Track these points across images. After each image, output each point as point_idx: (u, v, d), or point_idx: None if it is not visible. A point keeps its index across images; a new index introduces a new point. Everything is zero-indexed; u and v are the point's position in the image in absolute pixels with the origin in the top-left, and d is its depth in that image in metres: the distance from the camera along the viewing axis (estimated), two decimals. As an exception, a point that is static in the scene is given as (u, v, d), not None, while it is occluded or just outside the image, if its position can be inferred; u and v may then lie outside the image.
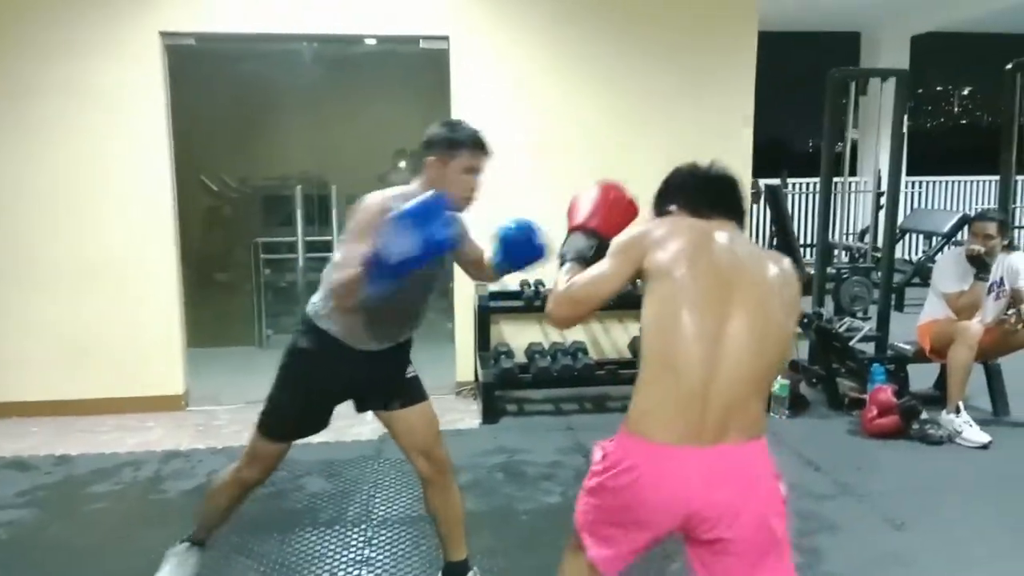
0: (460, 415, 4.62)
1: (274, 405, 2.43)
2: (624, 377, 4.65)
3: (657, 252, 1.76)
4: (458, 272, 4.87)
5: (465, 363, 4.98)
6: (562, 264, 1.99)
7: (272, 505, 3.39)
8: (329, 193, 5.23)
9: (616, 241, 1.88)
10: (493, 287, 4.78)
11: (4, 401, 4.60)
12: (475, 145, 2.38)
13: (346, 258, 2.14)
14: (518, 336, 4.92)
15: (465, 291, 4.90)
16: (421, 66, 5.15)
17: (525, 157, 4.85)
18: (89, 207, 4.58)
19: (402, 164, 7.26)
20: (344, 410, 4.67)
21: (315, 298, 2.42)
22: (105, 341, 4.64)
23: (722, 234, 1.82)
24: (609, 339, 5.09)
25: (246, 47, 4.97)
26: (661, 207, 1.98)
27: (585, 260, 1.96)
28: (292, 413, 2.44)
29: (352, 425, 4.43)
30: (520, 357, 4.74)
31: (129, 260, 4.64)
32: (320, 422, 2.50)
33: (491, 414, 4.45)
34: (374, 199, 2.25)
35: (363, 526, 3.19)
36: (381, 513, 3.32)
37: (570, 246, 2.02)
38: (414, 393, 2.57)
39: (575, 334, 4.99)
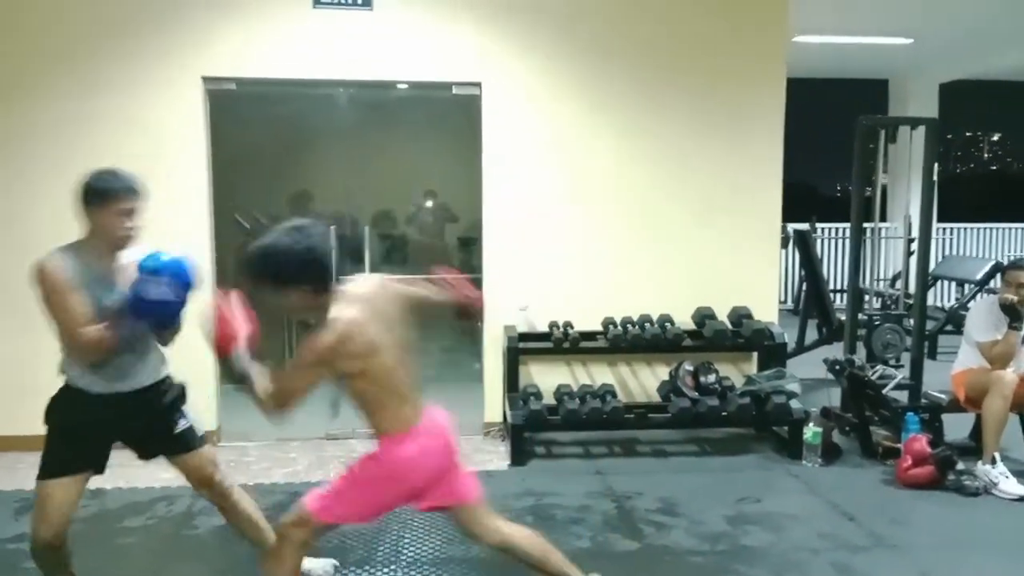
0: (488, 456, 4.62)
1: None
2: (654, 421, 4.64)
3: None
4: (487, 309, 4.95)
5: (494, 404, 4.99)
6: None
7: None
8: (361, 232, 5.32)
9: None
10: (523, 328, 4.81)
11: (38, 435, 4.65)
12: (115, 189, 2.54)
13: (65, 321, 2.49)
14: (547, 377, 4.93)
15: (494, 332, 4.94)
16: (453, 111, 5.25)
17: (556, 201, 4.92)
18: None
19: (429, 204, 7.37)
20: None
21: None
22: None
23: None
24: (638, 382, 5.08)
25: (283, 91, 5.11)
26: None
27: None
28: (56, 455, 2.65)
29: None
30: (549, 399, 4.74)
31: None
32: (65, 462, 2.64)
33: (520, 456, 4.44)
34: (39, 270, 2.56)
35: (392, 567, 3.19)
36: (410, 554, 3.32)
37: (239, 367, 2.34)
38: (187, 437, 2.80)
39: (604, 377, 5.00)
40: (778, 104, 5.05)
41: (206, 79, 4.74)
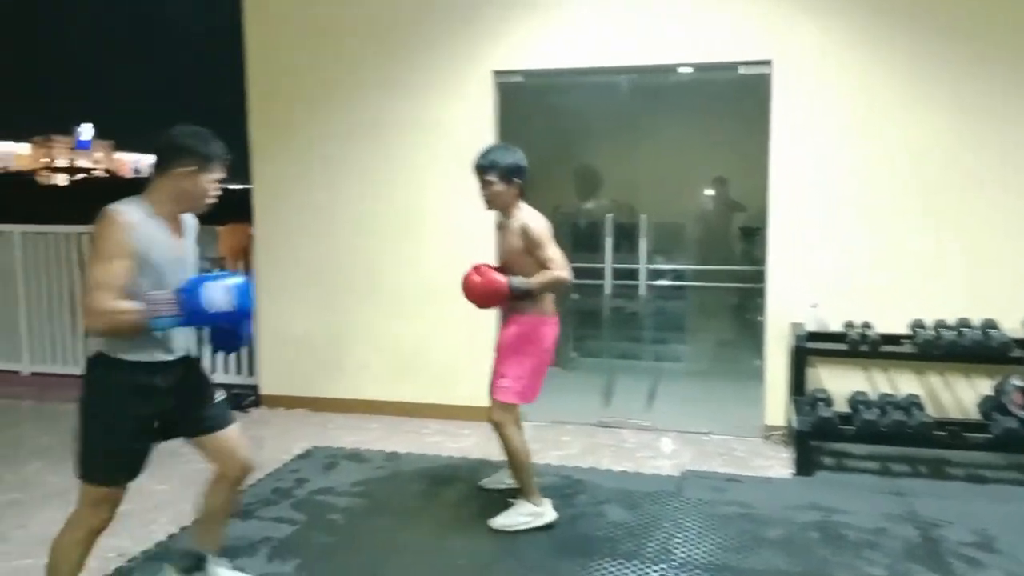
0: (769, 462, 4.31)
1: (97, 449, 2.39)
2: (971, 441, 4.01)
3: None
4: (771, 303, 4.62)
5: (775, 406, 4.65)
6: (528, 288, 3.34)
7: (573, 529, 3.42)
8: (637, 221, 5.25)
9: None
10: (812, 326, 4.41)
11: (351, 398, 5.23)
12: (224, 159, 2.42)
13: (95, 281, 2.23)
14: (838, 382, 4.48)
15: (779, 328, 4.60)
16: (737, 93, 4.95)
17: (855, 188, 4.45)
18: (424, 230, 5.07)
19: (712, 194, 7.08)
20: (646, 441, 4.62)
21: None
22: (433, 354, 5.08)
23: None
24: (952, 395, 4.43)
25: (567, 80, 5.17)
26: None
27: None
28: (117, 452, 2.42)
29: (653, 457, 4.38)
30: (840, 405, 4.30)
31: (455, 281, 4.97)
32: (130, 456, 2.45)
33: (805, 465, 4.08)
34: (106, 219, 2.28)
35: (662, 565, 3.07)
36: (681, 554, 3.17)
37: (520, 281, 3.35)
38: (222, 415, 2.61)
39: (909, 386, 4.43)
40: None
41: (496, 73, 4.94)
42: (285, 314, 5.32)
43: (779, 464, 4.26)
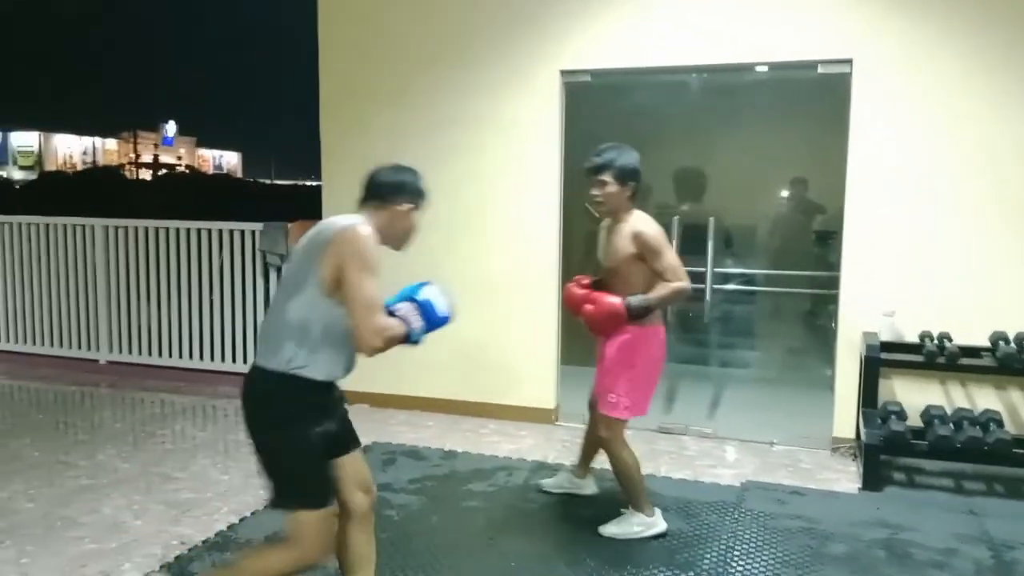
0: (836, 475, 4.17)
1: (306, 474, 2.25)
2: (1018, 458, 3.79)
3: None
4: (844, 310, 4.46)
5: (845, 418, 4.49)
6: (647, 305, 3.17)
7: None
8: (706, 223, 5.13)
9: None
10: (886, 336, 4.25)
11: (409, 395, 5.28)
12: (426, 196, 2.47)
13: (372, 298, 2.16)
14: (913, 395, 4.30)
15: (851, 337, 4.44)
16: (815, 93, 4.79)
17: (938, 192, 4.26)
18: (487, 228, 5.08)
19: (789, 196, 6.86)
20: (707, 449, 4.53)
21: (277, 349, 2.20)
22: (492, 351, 5.08)
23: None
24: (1034, 412, 4.21)
25: (636, 80, 5.10)
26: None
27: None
28: (326, 467, 2.31)
29: (714, 466, 4.28)
30: (914, 419, 4.12)
31: (517, 280, 5.03)
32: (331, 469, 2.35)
33: (873, 480, 3.93)
34: (366, 234, 2.24)
35: (718, 579, 3.00)
36: (740, 568, 3.09)
37: (637, 299, 3.16)
38: (355, 434, 2.52)
39: (988, 402, 4.22)
40: None
41: (564, 72, 4.91)
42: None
43: (846, 478, 4.12)
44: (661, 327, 3.30)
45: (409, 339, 2.29)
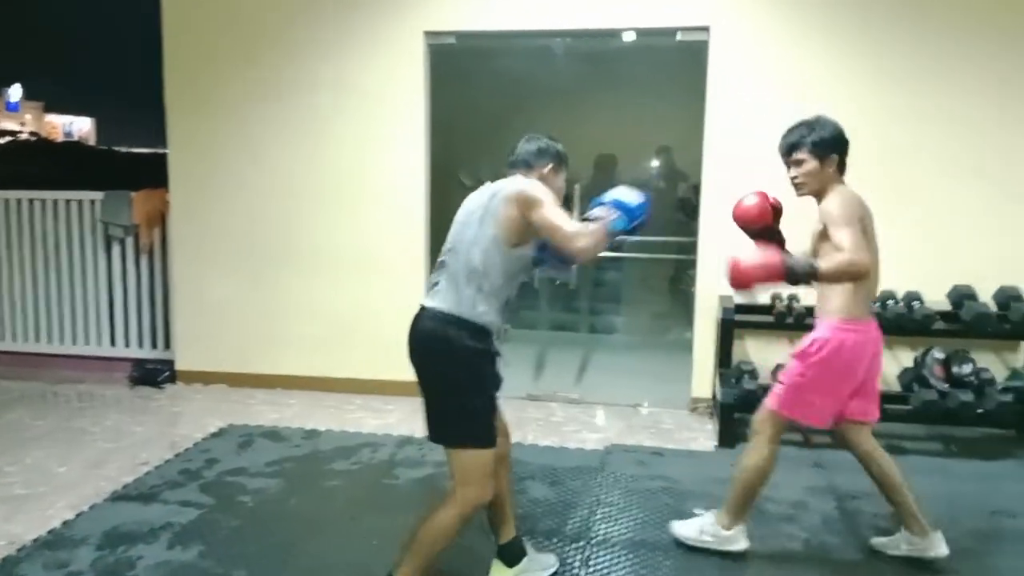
0: (694, 434, 4.30)
1: (484, 411, 2.39)
2: (891, 413, 4.04)
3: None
4: (701, 275, 4.59)
5: (703, 378, 4.64)
6: (811, 271, 2.61)
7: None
8: (572, 192, 5.14)
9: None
10: (739, 299, 4.40)
11: (271, 373, 5.05)
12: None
13: (559, 216, 2.32)
14: (765, 354, 4.49)
15: (708, 301, 4.57)
16: (677, 61, 4.87)
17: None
18: (350, 196, 4.89)
19: (657, 164, 6.99)
20: (574, 415, 4.56)
21: (467, 298, 2.36)
22: (358, 325, 4.93)
23: None
24: (874, 367, 4.47)
25: (502, 44, 5.01)
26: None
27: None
28: (494, 412, 2.44)
29: (580, 431, 4.33)
30: (765, 378, 4.31)
31: (383, 251, 4.87)
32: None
33: (728, 438, 4.08)
34: (529, 184, 2.42)
35: (581, 543, 3.02)
36: (602, 532, 3.13)
37: (802, 261, 2.67)
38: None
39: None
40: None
41: (428, 34, 4.75)
42: (204, 284, 5.10)
43: (704, 437, 4.26)
44: (867, 325, 2.79)
45: (614, 231, 2.38)
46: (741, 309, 4.34)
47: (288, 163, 4.92)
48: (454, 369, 2.36)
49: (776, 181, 4.35)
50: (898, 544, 2.92)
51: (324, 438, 4.15)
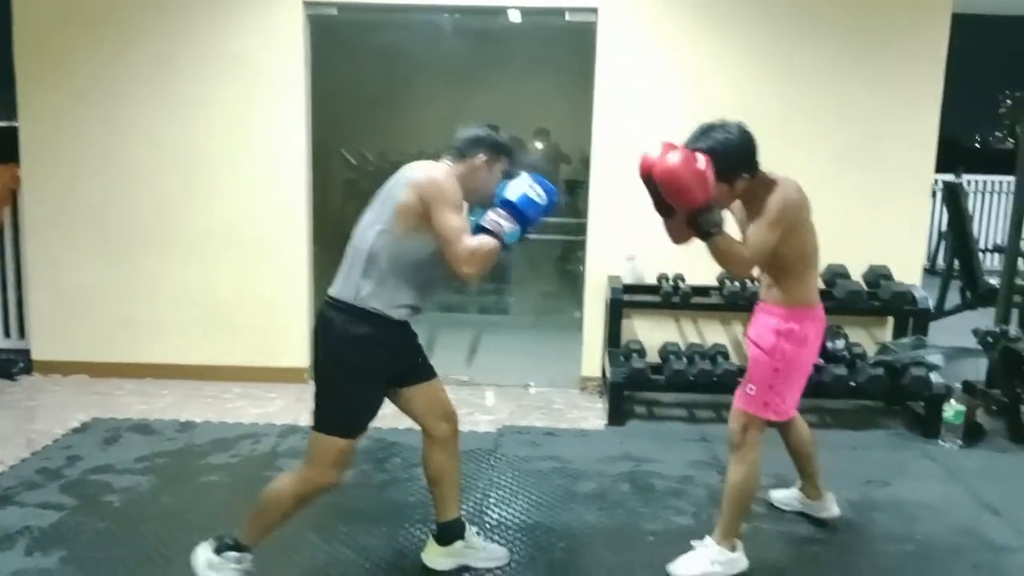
0: (584, 413, 4.33)
1: (351, 401, 2.35)
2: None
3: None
4: (591, 255, 4.62)
5: (592, 358, 4.68)
6: (713, 232, 2.40)
7: (383, 496, 3.24)
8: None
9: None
10: (628, 279, 4.46)
11: (141, 362, 4.72)
12: (516, 153, 2.50)
13: (455, 229, 2.23)
14: (652, 333, 4.56)
15: (596, 280, 4.60)
16: (565, 41, 4.85)
17: (675, 134, 4.45)
18: (227, 174, 4.61)
19: (539, 146, 6.99)
20: (464, 397, 4.49)
21: (352, 283, 2.32)
22: (236, 309, 4.67)
23: None
24: (753, 344, 4.63)
25: (387, 17, 4.83)
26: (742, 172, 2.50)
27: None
28: (370, 403, 2.38)
29: (472, 413, 4.27)
30: (653, 356, 4.38)
31: (264, 231, 4.63)
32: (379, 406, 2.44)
33: (618, 416, 4.13)
34: (443, 175, 2.33)
35: (475, 528, 2.95)
36: (495, 516, 3.09)
37: (719, 219, 2.41)
38: (430, 367, 2.60)
39: (716, 336, 4.59)
40: (939, 42, 4.37)
41: (307, 4, 4.51)
42: (62, 267, 4.69)
43: (594, 415, 4.30)
44: (816, 310, 2.65)
45: (508, 245, 2.30)
46: (629, 289, 4.39)
47: (157, 136, 4.58)
48: (331, 354, 2.34)
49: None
50: (793, 501, 3.10)
51: (200, 430, 3.91)
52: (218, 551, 2.40)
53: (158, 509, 3.07)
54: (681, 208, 2.41)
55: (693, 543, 2.75)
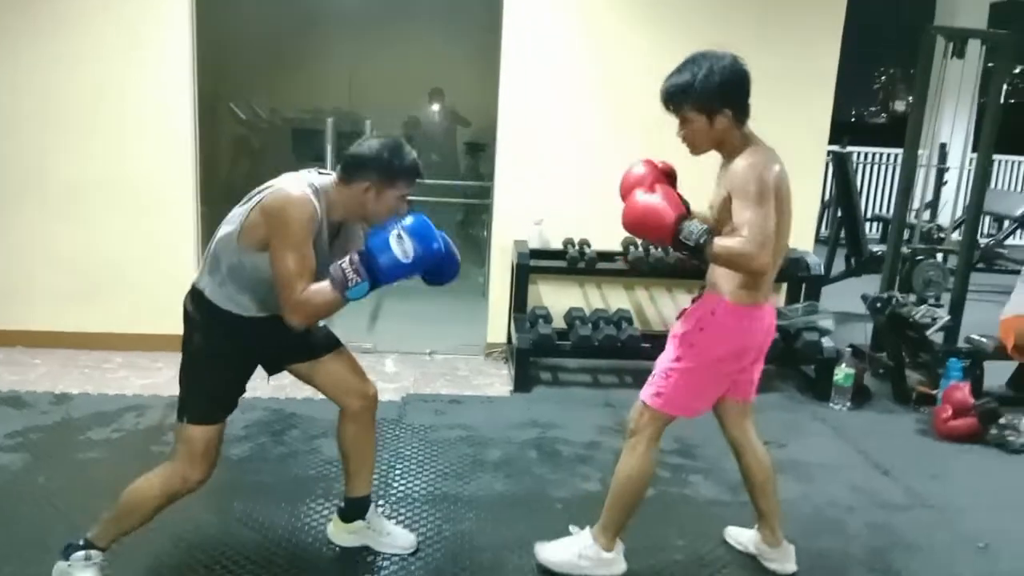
0: (490, 380, 4.29)
1: (199, 384, 2.23)
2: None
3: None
4: (496, 220, 4.54)
5: (498, 324, 4.62)
6: (700, 245, 2.12)
7: (283, 470, 3.10)
8: (363, 129, 4.86)
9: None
10: (535, 244, 4.40)
11: (10, 329, 4.34)
12: (414, 176, 2.21)
13: (288, 273, 2.04)
14: (558, 299, 4.54)
15: (502, 245, 4.53)
16: (473, 3, 4.69)
17: (581, 106, 4.42)
18: (107, 130, 4.25)
19: (436, 107, 6.83)
20: (367, 364, 4.35)
21: (203, 273, 2.24)
22: (116, 272, 4.34)
23: None
24: (656, 309, 4.69)
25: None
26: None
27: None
28: (227, 388, 2.27)
29: (375, 381, 4.13)
30: (559, 322, 4.37)
31: (146, 188, 4.31)
32: (240, 391, 2.32)
33: (524, 382, 4.11)
34: (297, 207, 2.07)
35: (380, 502, 2.87)
36: (401, 488, 3.00)
37: (697, 230, 2.13)
38: (329, 340, 2.48)
39: (620, 302, 4.62)
40: (838, 8, 4.48)
41: (193, -57, 4.17)
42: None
43: (499, 382, 4.26)
44: (766, 308, 2.38)
45: (349, 299, 2.06)
46: (536, 254, 4.34)
47: (24, 80, 4.16)
48: (185, 341, 2.24)
49: (575, 125, 4.40)
50: (747, 543, 2.70)
51: (78, 403, 3.62)
52: (66, 555, 2.22)
53: (33, 491, 2.81)
54: (660, 242, 2.42)
55: (571, 528, 2.59)
